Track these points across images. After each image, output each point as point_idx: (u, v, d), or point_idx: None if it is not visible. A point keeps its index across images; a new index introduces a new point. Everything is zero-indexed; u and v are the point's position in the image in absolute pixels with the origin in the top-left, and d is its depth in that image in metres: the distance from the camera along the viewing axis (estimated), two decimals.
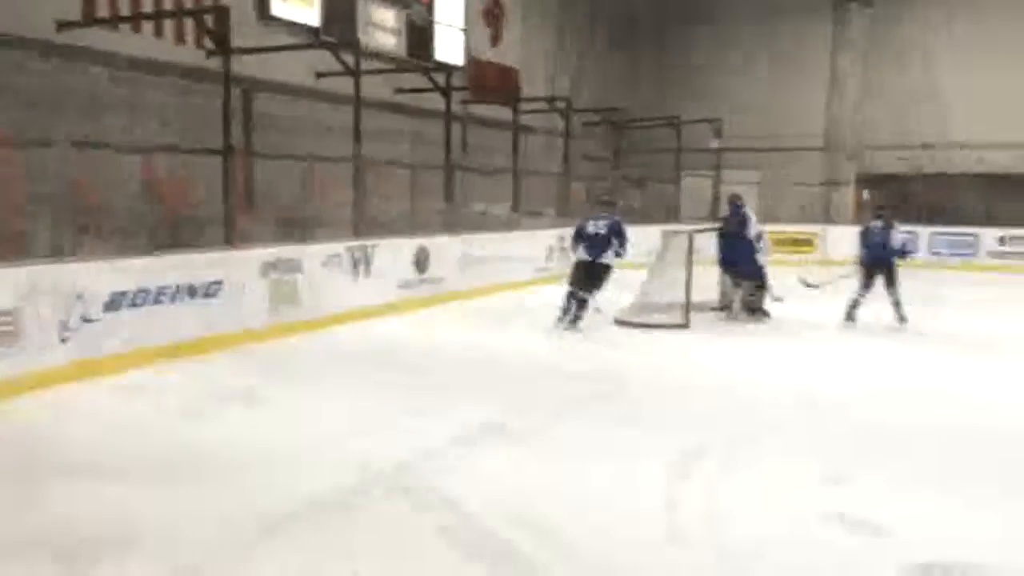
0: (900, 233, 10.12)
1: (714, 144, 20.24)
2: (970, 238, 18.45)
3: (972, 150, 19.42)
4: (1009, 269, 17.63)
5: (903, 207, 18.99)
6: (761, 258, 10.65)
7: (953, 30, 19.98)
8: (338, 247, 10.02)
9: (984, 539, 4.12)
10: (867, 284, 10.14)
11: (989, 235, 18.31)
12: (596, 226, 10.02)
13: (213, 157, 9.26)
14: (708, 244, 11.10)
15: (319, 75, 12.39)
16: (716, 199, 20.07)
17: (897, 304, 9.98)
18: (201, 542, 3.93)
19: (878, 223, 10.24)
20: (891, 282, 10.00)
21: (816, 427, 6.01)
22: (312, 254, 9.54)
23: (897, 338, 9.58)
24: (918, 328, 9.80)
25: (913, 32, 20.44)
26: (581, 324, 9.72)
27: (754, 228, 10.71)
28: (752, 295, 10.63)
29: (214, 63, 9.78)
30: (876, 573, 3.75)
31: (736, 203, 11.03)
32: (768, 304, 10.65)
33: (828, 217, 20.37)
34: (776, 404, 6.60)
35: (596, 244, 9.92)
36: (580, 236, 10.14)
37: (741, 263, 10.66)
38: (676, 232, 11.25)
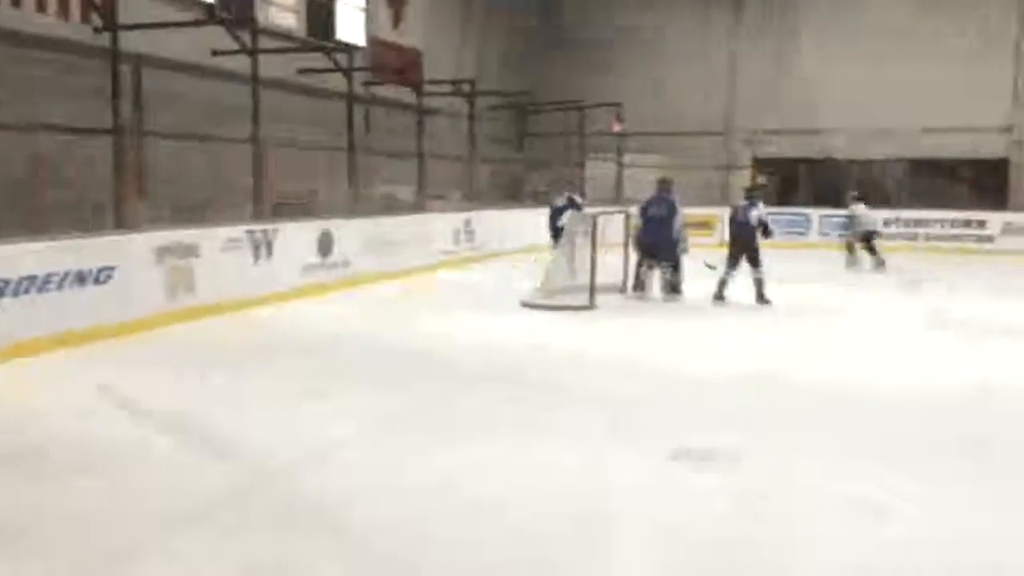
0: (759, 211, 10.43)
1: (617, 128, 20.52)
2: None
3: (858, 136, 20.28)
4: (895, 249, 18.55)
5: (794, 190, 19.86)
6: (681, 245, 10.91)
7: (845, 19, 20.77)
8: (238, 231, 9.73)
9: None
10: (733, 263, 10.50)
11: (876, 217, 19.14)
12: (561, 199, 13.04)
13: (104, 137, 8.86)
14: (611, 226, 11.26)
15: (214, 53, 11.96)
16: (620, 182, 20.41)
17: (759, 282, 10.31)
18: (99, 534, 3.79)
19: (744, 202, 10.64)
20: (753, 261, 10.34)
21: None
22: (210, 238, 9.23)
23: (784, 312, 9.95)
24: (785, 307, 10.22)
25: (806, 19, 21.14)
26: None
27: (680, 218, 10.93)
28: (673, 275, 10.90)
29: (102, 39, 9.35)
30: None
31: (666, 188, 11.18)
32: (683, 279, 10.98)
33: (727, 200, 20.94)
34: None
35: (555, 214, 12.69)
36: None
37: (661, 246, 10.86)
38: (581, 215, 11.38)
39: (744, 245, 10.44)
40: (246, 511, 4.11)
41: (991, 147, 20.08)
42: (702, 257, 11.30)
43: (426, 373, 6.96)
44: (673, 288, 10.90)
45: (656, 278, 11.01)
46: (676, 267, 10.92)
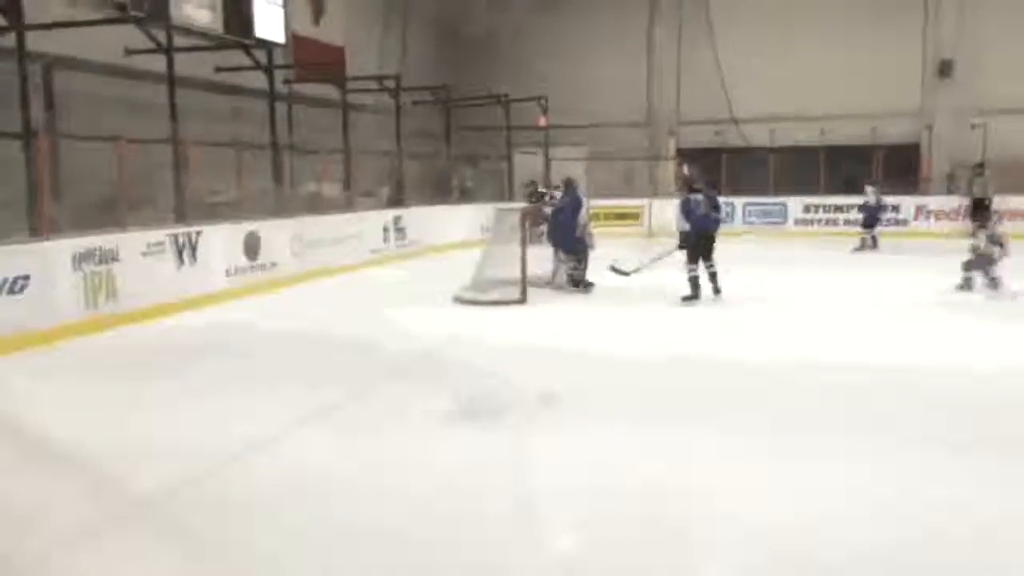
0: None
1: (542, 121, 20.61)
2: (779, 207, 19.77)
3: (775, 123, 20.81)
4: (816, 235, 19.09)
5: (716, 180, 20.21)
6: (587, 240, 10.98)
7: (758, 8, 21.21)
8: (159, 234, 9.48)
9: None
10: (698, 257, 10.11)
11: (796, 204, 19.71)
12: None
13: (13, 140, 8.54)
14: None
15: (128, 52, 11.63)
16: (547, 176, 20.48)
17: (716, 275, 10.24)
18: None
19: (698, 196, 10.26)
20: (712, 252, 10.26)
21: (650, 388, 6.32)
22: (131, 243, 8.98)
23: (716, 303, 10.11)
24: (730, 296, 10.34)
25: (720, 9, 21.51)
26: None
27: (584, 213, 11.01)
28: (575, 268, 10.96)
29: (8, 39, 9.01)
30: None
31: (570, 186, 11.31)
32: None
33: (652, 190, 21.26)
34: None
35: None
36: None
37: (562, 240, 10.96)
38: (508, 209, 11.42)
39: (709, 238, 10.12)
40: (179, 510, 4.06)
41: (902, 132, 20.80)
42: (612, 262, 11.08)
43: (357, 371, 6.91)
44: (575, 282, 10.90)
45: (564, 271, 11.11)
46: (580, 261, 10.97)
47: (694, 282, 10.03)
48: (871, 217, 16.10)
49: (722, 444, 5.02)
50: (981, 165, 18.76)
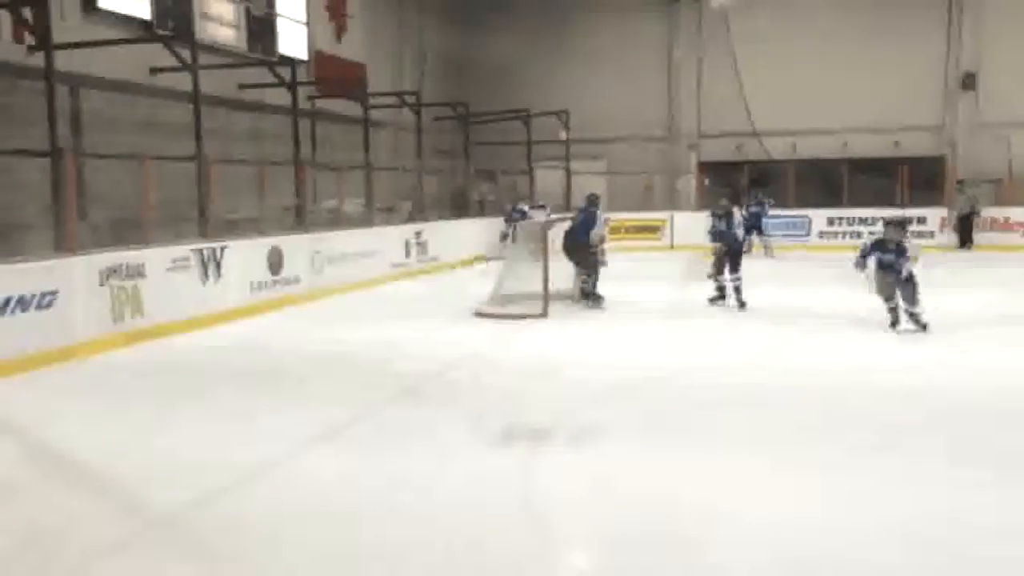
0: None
1: (563, 136, 20.62)
2: (803, 220, 19.63)
3: (797, 136, 20.72)
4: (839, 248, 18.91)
5: (737, 193, 20.14)
6: (600, 258, 10.97)
7: (778, 21, 21.14)
8: (184, 250, 9.55)
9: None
10: (722, 268, 10.49)
11: (820, 217, 19.56)
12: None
13: (38, 159, 8.65)
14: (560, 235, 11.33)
15: (153, 70, 11.79)
16: (569, 189, 20.50)
17: (739, 289, 10.34)
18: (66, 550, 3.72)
19: (721, 212, 10.58)
20: (738, 265, 10.41)
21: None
22: (156, 258, 9.05)
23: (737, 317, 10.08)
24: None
25: (739, 24, 21.45)
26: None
27: (598, 229, 10.98)
28: (585, 282, 10.89)
29: (36, 59, 9.14)
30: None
31: (591, 201, 11.30)
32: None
33: (673, 205, 21.21)
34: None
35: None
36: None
37: (573, 253, 10.90)
38: (530, 223, 11.41)
39: (736, 253, 10.50)
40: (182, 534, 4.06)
41: (925, 145, 20.64)
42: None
43: (378, 387, 6.90)
44: (585, 295, 10.83)
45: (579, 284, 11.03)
46: (590, 275, 10.88)
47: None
48: (756, 224, 17.28)
49: (730, 456, 5.01)
50: (961, 182, 18.88)
